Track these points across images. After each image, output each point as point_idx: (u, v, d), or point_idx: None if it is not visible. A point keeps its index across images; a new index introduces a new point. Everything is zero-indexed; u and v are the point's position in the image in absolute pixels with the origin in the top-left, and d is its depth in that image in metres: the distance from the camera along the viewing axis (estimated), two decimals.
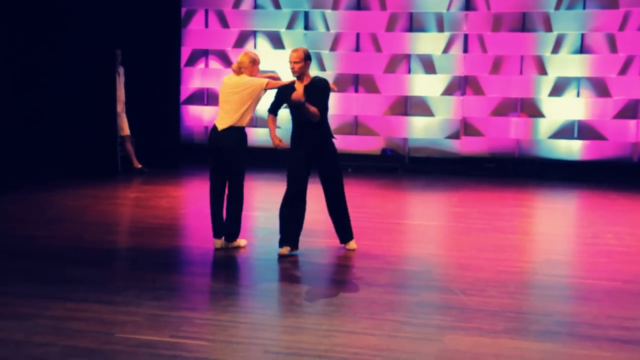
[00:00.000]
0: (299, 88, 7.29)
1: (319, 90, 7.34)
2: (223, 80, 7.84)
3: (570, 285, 7.26)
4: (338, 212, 7.65)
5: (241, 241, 8.13)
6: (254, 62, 7.81)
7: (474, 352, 5.18)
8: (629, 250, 8.30)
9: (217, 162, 7.88)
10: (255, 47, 13.93)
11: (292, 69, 7.28)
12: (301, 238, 8.27)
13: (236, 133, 7.61)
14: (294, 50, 7.37)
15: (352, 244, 7.69)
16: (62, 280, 6.89)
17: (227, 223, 7.97)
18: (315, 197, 9.04)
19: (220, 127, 7.63)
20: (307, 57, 7.39)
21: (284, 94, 7.35)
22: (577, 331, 5.69)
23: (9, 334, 5.37)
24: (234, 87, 7.67)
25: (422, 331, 5.69)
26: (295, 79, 7.37)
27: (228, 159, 7.63)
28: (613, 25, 12.46)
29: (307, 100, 7.19)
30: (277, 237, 8.15)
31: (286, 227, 7.41)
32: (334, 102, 14.03)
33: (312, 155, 7.43)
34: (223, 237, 8.05)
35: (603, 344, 5.33)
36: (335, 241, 8.55)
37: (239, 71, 7.74)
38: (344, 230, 7.70)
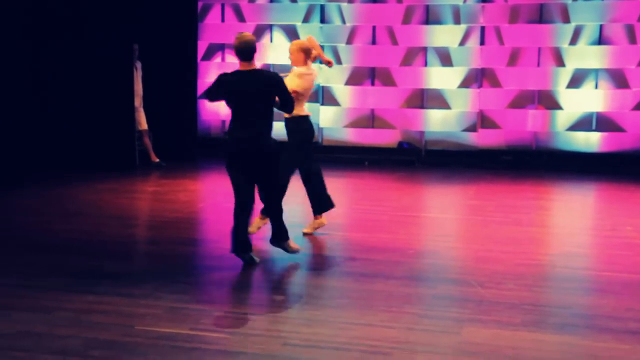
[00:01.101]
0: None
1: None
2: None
3: (588, 277, 7.21)
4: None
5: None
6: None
7: (492, 344, 5.17)
8: None
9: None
10: (271, 40, 13.96)
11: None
12: (320, 230, 8.40)
13: None
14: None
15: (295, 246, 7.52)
16: (82, 273, 6.93)
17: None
18: (335, 189, 9.04)
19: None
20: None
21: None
22: (596, 324, 5.65)
23: (31, 326, 5.42)
24: None
25: (440, 324, 5.67)
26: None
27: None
28: (632, 16, 12.37)
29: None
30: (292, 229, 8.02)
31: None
32: (350, 94, 14.08)
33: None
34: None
35: (622, 337, 5.29)
36: (354, 234, 8.62)
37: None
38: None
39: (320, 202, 8.46)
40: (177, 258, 7.81)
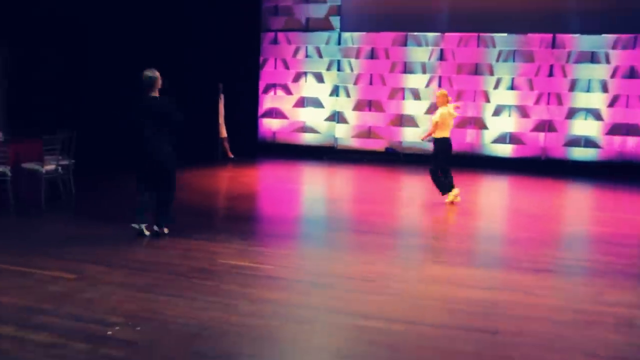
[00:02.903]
0: None
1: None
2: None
3: (502, 235, 8.65)
4: (161, 206, 7.70)
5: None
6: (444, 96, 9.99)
7: (442, 276, 6.36)
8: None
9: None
10: (306, 81, 16.81)
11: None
12: (354, 204, 10.02)
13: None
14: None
15: (165, 230, 7.77)
16: (186, 226, 8.14)
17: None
18: (348, 177, 10.69)
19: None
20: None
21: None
22: (507, 263, 6.89)
23: (156, 258, 6.70)
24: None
25: (409, 263, 6.94)
26: None
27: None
28: (531, 73, 15.61)
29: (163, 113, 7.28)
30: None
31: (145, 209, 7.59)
32: (355, 117, 16.37)
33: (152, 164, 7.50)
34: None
35: (523, 271, 6.52)
36: (356, 205, 10.08)
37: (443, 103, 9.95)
38: (162, 218, 7.72)
39: (447, 186, 10.29)
40: (243, 218, 9.14)
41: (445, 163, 10.21)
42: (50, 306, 5.30)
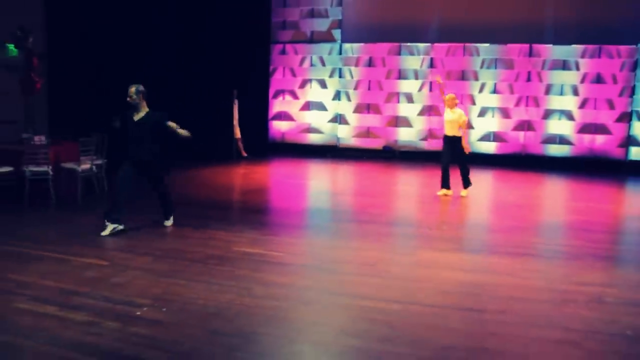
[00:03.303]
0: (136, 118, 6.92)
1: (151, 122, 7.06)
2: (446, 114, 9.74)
3: (490, 224, 8.56)
4: (162, 199, 7.68)
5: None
6: (453, 99, 9.76)
7: (434, 261, 6.35)
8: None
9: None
10: (310, 87, 16.78)
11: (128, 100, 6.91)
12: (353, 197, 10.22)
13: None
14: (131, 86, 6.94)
15: (169, 222, 7.71)
16: (204, 217, 8.21)
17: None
18: (349, 172, 11.11)
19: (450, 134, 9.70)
20: (138, 92, 6.96)
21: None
22: (493, 249, 6.86)
23: (176, 245, 6.75)
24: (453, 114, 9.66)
25: (404, 250, 6.93)
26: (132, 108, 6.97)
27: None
28: (511, 78, 15.64)
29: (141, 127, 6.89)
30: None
31: (119, 208, 7.17)
32: (355, 118, 16.35)
33: (137, 167, 7.24)
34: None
35: (506, 256, 6.50)
36: (357, 197, 9.98)
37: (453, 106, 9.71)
38: (165, 211, 7.70)
39: (466, 181, 10.21)
40: (255, 210, 9.09)
41: (451, 160, 10.12)
42: (87, 289, 5.34)
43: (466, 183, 10.20)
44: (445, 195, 10.11)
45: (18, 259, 6.18)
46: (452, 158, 9.95)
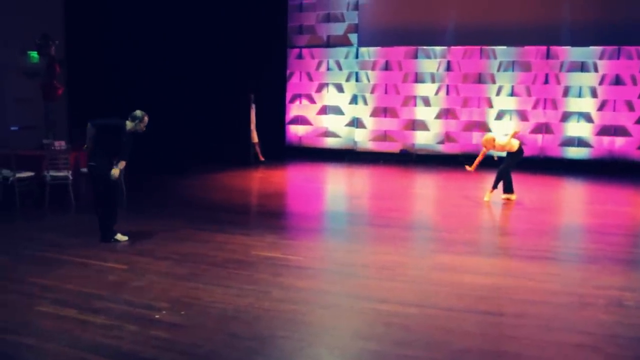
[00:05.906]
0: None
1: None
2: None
3: (504, 226, 8.72)
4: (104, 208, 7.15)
5: None
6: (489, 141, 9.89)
7: (450, 265, 6.32)
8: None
9: None
10: (327, 92, 16.81)
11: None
12: (356, 201, 9.99)
13: None
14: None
15: (120, 237, 7.23)
16: (222, 221, 8.27)
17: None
18: (366, 176, 11.32)
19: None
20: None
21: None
22: (509, 252, 6.92)
23: (195, 249, 6.80)
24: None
25: (421, 253, 7.00)
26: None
27: None
28: (529, 81, 15.43)
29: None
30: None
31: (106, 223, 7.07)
32: (372, 122, 16.32)
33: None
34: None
35: (524, 259, 6.51)
36: (376, 201, 10.10)
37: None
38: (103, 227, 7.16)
39: (508, 185, 10.23)
40: (273, 213, 9.19)
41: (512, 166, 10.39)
42: (107, 293, 5.41)
43: (495, 186, 10.25)
44: (509, 199, 10.13)
45: (40, 263, 6.28)
46: (512, 164, 10.13)
